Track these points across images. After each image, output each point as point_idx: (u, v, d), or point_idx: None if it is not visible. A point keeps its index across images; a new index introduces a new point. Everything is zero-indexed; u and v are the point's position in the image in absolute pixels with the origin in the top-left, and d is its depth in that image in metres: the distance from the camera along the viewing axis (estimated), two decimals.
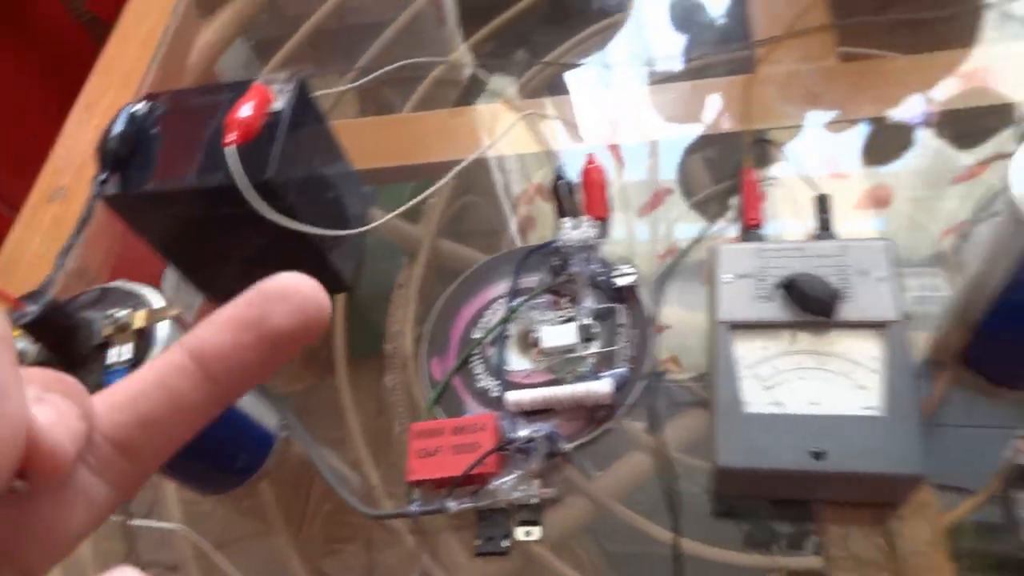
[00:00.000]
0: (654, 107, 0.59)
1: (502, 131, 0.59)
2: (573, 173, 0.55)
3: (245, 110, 0.44)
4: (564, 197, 0.53)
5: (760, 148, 0.54)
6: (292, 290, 0.15)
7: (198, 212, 0.47)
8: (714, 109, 0.57)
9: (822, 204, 0.48)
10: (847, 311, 0.40)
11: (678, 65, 0.62)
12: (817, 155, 0.53)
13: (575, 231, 0.50)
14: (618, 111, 0.60)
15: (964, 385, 0.42)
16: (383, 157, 0.61)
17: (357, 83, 0.67)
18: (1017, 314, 0.35)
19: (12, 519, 0.14)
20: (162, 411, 0.15)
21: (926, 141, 0.52)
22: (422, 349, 0.51)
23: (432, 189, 0.54)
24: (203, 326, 0.15)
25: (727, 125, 0.56)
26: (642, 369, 0.46)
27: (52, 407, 0.14)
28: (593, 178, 0.53)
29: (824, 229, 0.47)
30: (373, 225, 0.53)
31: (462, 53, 0.68)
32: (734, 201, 0.51)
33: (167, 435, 0.15)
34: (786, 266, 0.42)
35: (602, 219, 0.52)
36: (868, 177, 0.52)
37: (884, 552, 0.38)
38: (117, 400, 0.15)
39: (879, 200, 0.50)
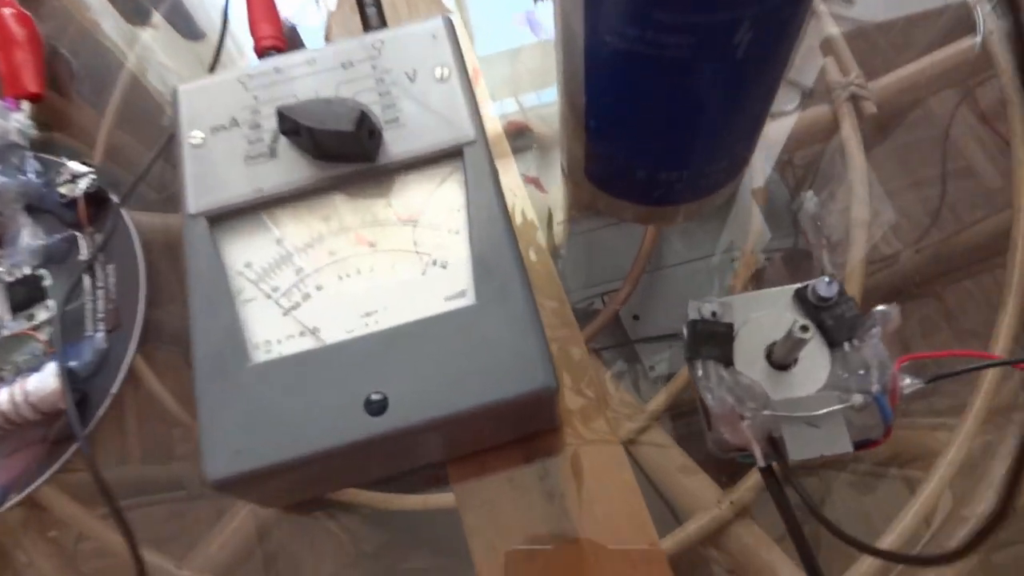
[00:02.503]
0: None
1: None
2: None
3: None
4: None
5: None
6: None
7: None
8: None
9: None
10: (399, 143, 0.23)
11: None
12: None
13: None
14: None
15: (601, 209, 0.27)
16: None
17: None
18: (610, 74, 0.20)
19: None
20: None
21: None
22: None
23: None
24: None
25: None
26: (134, 329, 0.27)
27: None
28: (10, 35, 0.32)
29: (375, 24, 0.30)
30: None
31: None
32: None
33: None
34: (295, 95, 0.24)
35: (36, 97, 0.31)
36: None
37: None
38: None
39: None
